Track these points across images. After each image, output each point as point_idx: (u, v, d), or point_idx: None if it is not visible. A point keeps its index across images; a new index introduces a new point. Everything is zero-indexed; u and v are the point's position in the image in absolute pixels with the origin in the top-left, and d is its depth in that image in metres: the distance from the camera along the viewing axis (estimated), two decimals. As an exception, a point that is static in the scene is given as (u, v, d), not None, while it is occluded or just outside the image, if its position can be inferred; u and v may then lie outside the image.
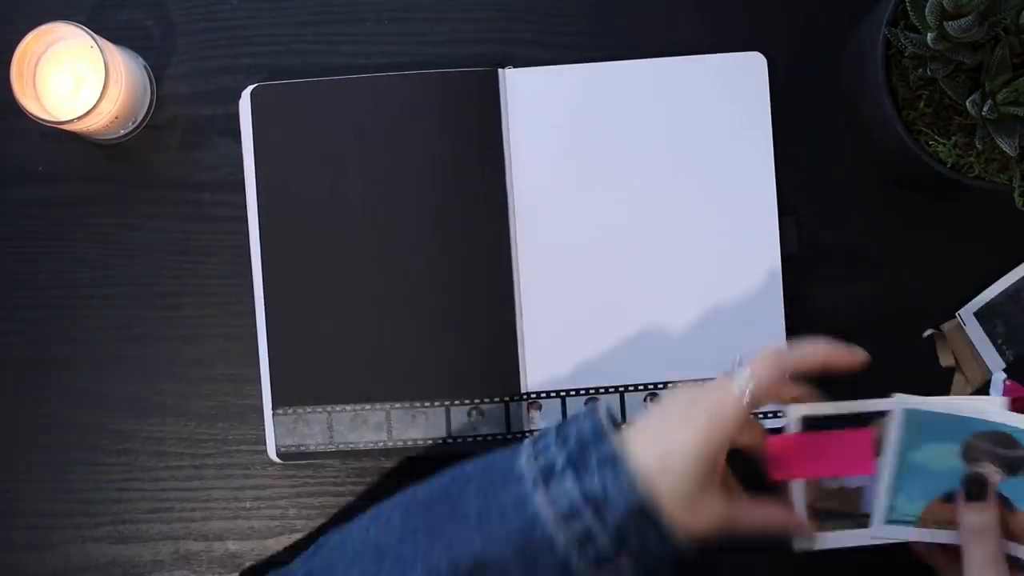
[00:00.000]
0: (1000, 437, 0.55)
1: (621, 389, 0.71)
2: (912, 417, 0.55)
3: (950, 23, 0.59)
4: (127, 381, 0.73)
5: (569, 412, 0.70)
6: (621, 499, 0.51)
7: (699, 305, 0.71)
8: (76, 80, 0.69)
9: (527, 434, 0.70)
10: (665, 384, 0.70)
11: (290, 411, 0.71)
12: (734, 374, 0.54)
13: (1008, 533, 0.57)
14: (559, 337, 0.71)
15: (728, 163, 0.71)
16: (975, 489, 0.56)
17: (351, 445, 0.71)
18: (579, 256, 0.71)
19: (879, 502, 0.58)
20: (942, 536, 0.58)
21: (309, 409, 0.71)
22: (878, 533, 0.59)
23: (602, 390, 0.71)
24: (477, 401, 0.70)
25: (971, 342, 0.71)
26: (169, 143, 0.74)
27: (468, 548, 0.52)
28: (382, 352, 0.71)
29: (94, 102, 0.67)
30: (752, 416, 0.57)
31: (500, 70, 0.72)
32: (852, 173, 0.73)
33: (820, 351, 0.56)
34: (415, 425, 0.70)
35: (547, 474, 0.53)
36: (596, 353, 0.71)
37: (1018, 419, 0.55)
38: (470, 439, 0.70)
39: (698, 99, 0.71)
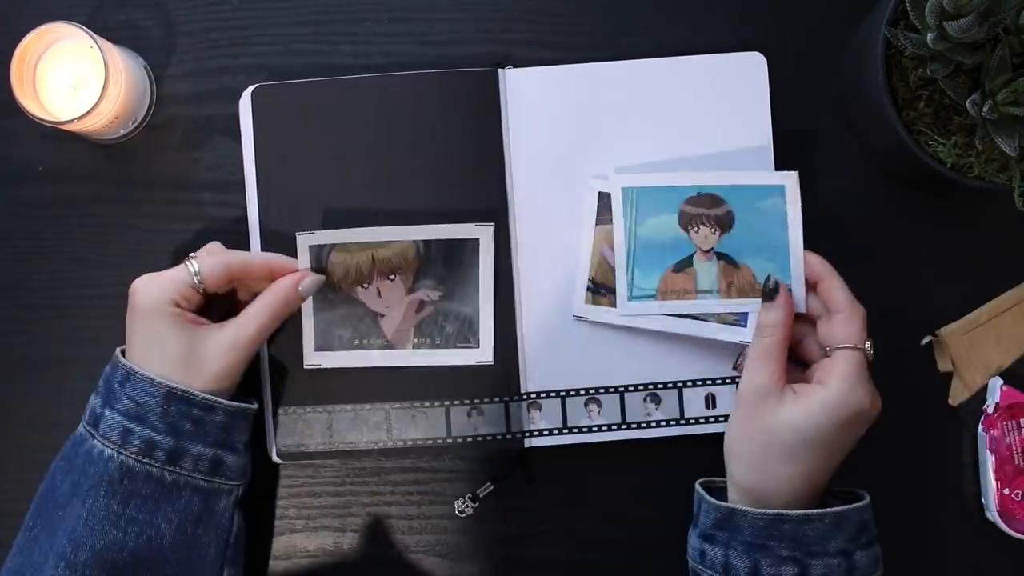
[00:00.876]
0: (706, 199, 0.63)
1: (621, 389, 0.70)
2: (628, 194, 0.60)
3: (950, 23, 0.59)
4: (127, 381, 0.73)
5: (569, 412, 0.70)
6: (151, 398, 0.61)
7: (699, 305, 0.71)
8: (76, 80, 0.69)
9: (527, 434, 0.70)
10: (665, 384, 0.70)
11: (290, 411, 0.71)
12: (186, 261, 0.65)
13: (730, 289, 0.64)
14: (559, 337, 0.71)
15: (728, 163, 0.71)
16: (769, 291, 0.64)
17: (351, 445, 0.71)
18: (579, 255, 0.71)
19: (620, 281, 0.65)
20: (682, 307, 0.65)
21: (309, 409, 0.71)
22: (625, 311, 0.66)
23: (602, 390, 0.70)
24: (477, 401, 0.70)
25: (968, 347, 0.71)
26: (169, 143, 0.74)
27: (78, 522, 0.60)
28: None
29: (94, 102, 0.67)
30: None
31: (500, 70, 0.72)
32: (852, 173, 0.73)
33: (265, 259, 0.68)
34: (415, 425, 0.70)
35: (95, 421, 0.62)
36: (596, 353, 0.71)
37: (715, 177, 0.62)
38: (470, 439, 0.70)
39: (698, 99, 0.71)
